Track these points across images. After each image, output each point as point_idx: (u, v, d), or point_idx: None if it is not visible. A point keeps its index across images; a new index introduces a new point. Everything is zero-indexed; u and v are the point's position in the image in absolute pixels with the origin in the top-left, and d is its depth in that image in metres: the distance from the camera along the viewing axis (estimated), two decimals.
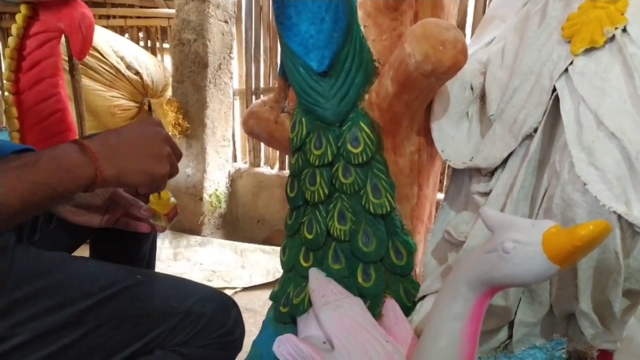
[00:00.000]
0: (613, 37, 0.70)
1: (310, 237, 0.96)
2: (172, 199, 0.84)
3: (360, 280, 0.94)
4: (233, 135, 2.50)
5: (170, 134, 0.79)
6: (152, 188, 0.81)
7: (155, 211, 0.82)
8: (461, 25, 1.80)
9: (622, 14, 0.69)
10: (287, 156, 2.36)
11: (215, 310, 0.81)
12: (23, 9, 1.65)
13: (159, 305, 0.76)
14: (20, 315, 0.64)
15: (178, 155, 0.75)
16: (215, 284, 1.81)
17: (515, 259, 0.57)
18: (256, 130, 1.06)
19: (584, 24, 0.72)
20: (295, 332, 0.86)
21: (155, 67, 2.62)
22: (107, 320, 0.70)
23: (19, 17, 1.65)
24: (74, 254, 0.84)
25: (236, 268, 1.97)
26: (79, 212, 0.84)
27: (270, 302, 1.05)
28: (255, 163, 2.49)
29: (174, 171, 0.73)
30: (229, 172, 2.47)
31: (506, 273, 0.58)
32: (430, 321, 0.68)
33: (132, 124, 0.71)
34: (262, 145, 2.46)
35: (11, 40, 1.64)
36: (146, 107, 2.53)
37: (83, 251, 0.90)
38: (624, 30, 0.69)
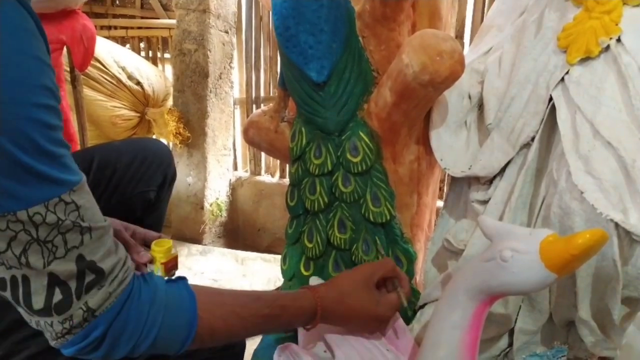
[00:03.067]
0: (608, 47, 0.71)
1: (310, 245, 0.96)
2: (174, 251, 0.83)
3: None
4: (234, 144, 2.50)
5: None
6: None
7: (154, 259, 0.81)
8: (459, 35, 1.82)
9: (617, 25, 0.70)
10: (287, 165, 2.36)
11: None
12: None
13: None
14: (28, 331, 0.64)
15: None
16: None
17: (514, 267, 0.57)
18: (256, 139, 1.07)
19: (579, 34, 0.73)
20: (295, 341, 0.86)
21: (156, 77, 2.63)
22: None
23: None
24: None
25: (237, 276, 1.97)
26: None
27: None
28: (256, 172, 2.49)
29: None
30: (230, 180, 2.47)
31: (504, 281, 0.58)
32: (430, 330, 0.68)
33: (369, 301, 0.77)
34: (263, 154, 2.46)
35: None
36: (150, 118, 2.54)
37: None
38: (619, 40, 0.70)
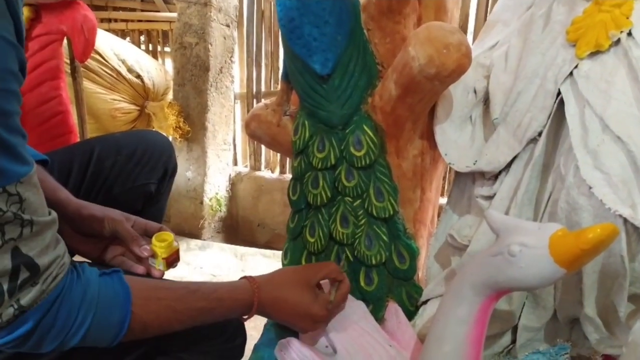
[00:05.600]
0: (618, 41, 0.70)
1: (312, 240, 0.95)
2: (175, 243, 0.82)
3: (362, 283, 0.93)
4: (234, 139, 2.49)
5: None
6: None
7: (155, 254, 0.80)
8: (463, 30, 1.81)
9: (627, 18, 0.69)
10: (288, 160, 2.35)
11: None
12: (25, 10, 1.64)
13: None
14: None
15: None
16: None
17: (522, 262, 0.56)
18: (258, 133, 1.06)
19: (588, 27, 0.72)
20: (297, 336, 0.85)
21: (156, 70, 2.62)
22: None
23: None
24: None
25: (236, 272, 1.96)
26: (83, 240, 0.81)
27: None
28: (255, 167, 2.48)
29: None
30: (230, 175, 2.46)
31: (512, 276, 0.57)
32: (434, 325, 0.67)
33: (304, 296, 0.77)
34: (263, 149, 2.45)
35: None
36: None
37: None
38: (629, 33, 0.69)
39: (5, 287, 0.49)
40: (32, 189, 0.50)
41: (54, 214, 0.55)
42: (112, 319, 0.59)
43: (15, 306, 0.50)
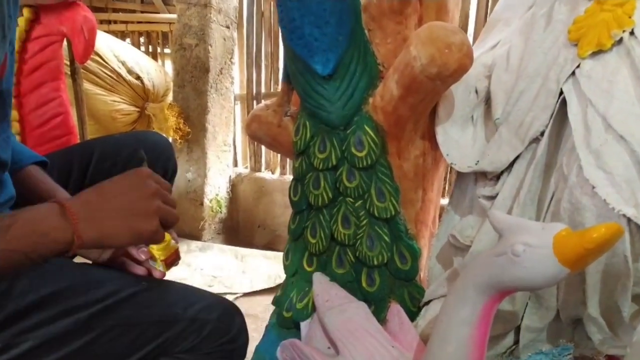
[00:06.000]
0: (621, 40, 0.70)
1: (314, 241, 0.95)
2: (174, 242, 0.81)
3: (364, 284, 0.93)
4: (234, 140, 2.49)
5: (155, 178, 0.67)
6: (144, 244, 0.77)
7: (153, 256, 0.79)
8: (463, 30, 1.81)
9: (630, 17, 0.69)
10: (288, 161, 2.35)
11: (220, 317, 0.79)
12: (25, 12, 1.64)
13: (164, 312, 0.75)
14: (27, 323, 0.63)
15: (171, 205, 0.68)
16: (216, 289, 1.79)
17: (526, 262, 0.56)
18: (259, 133, 1.05)
19: (590, 27, 0.72)
20: (298, 337, 0.85)
21: (156, 71, 2.62)
22: (113, 327, 0.69)
23: (21, 21, 1.64)
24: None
25: (237, 273, 1.96)
26: None
27: (272, 308, 1.04)
28: (256, 168, 2.48)
29: (168, 223, 0.67)
30: (230, 177, 2.46)
31: (516, 276, 0.57)
32: (438, 326, 0.67)
33: (119, 177, 0.65)
34: (263, 150, 2.45)
35: None
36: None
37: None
38: (632, 33, 0.69)
39: None
40: None
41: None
42: None
43: None
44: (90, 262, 0.83)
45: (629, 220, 0.64)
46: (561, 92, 0.75)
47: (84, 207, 0.61)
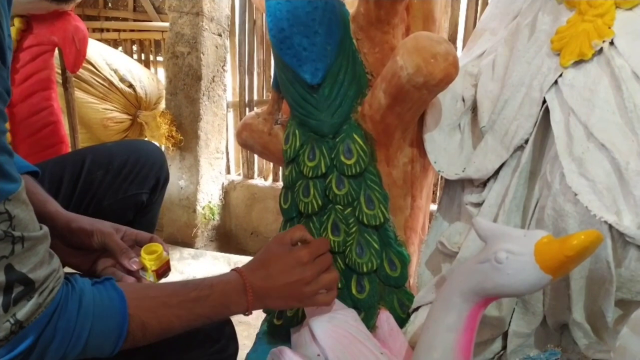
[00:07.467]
0: (601, 50, 0.71)
1: None
2: (165, 254, 0.81)
3: (354, 291, 0.93)
4: (227, 148, 2.50)
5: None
6: None
7: (145, 267, 0.80)
8: (452, 39, 1.83)
9: (610, 27, 0.70)
10: (280, 168, 2.36)
11: (210, 326, 0.80)
12: (17, 22, 1.65)
13: None
14: None
15: (329, 267, 0.80)
16: None
17: (508, 269, 0.57)
18: (250, 142, 1.06)
19: (572, 37, 0.73)
20: (289, 345, 0.85)
21: (148, 79, 2.62)
22: None
23: (12, 30, 1.65)
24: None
25: None
26: (73, 252, 0.82)
27: (263, 315, 1.05)
28: (248, 175, 2.49)
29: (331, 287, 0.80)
30: (223, 184, 2.47)
31: (499, 283, 0.58)
32: (424, 332, 0.67)
33: (287, 256, 0.76)
34: (256, 157, 2.46)
35: None
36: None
37: None
38: (612, 43, 0.71)
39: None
40: (20, 205, 0.50)
41: (46, 229, 0.55)
42: (110, 324, 0.59)
43: (12, 321, 0.50)
44: (81, 273, 0.83)
45: (611, 226, 0.65)
46: (544, 101, 0.76)
47: (257, 286, 0.72)
